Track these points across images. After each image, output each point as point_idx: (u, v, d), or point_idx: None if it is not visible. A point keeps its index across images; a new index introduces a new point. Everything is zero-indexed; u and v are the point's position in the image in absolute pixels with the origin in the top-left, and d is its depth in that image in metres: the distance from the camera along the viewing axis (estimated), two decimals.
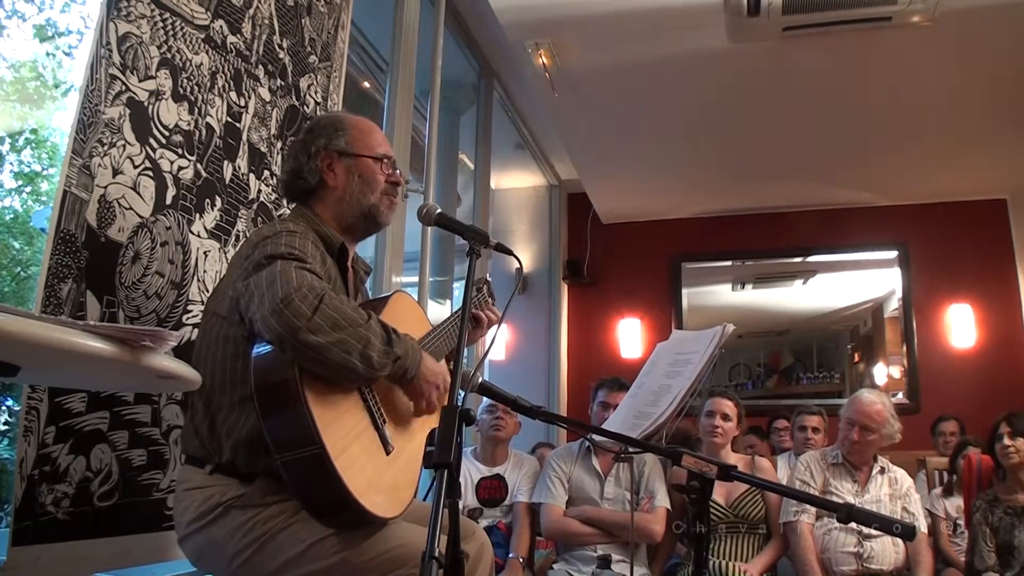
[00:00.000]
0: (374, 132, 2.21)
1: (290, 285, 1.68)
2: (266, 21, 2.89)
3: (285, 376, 1.69)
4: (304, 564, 1.76)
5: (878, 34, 4.28)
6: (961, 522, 4.48)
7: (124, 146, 2.19)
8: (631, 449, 3.15)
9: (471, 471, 4.17)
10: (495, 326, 2.43)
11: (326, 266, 1.96)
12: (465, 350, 1.80)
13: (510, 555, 3.88)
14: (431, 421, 2.07)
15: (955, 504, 4.56)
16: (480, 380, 1.89)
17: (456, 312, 2.35)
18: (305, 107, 3.14)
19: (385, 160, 2.17)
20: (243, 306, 1.77)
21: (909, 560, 3.64)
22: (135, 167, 2.23)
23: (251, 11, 2.80)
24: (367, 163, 2.14)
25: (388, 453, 1.88)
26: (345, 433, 1.75)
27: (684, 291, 7.58)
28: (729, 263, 7.64)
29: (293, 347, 1.65)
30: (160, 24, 2.34)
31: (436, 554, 1.37)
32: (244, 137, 2.75)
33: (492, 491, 4.14)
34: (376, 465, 1.82)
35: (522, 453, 4.46)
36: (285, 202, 2.96)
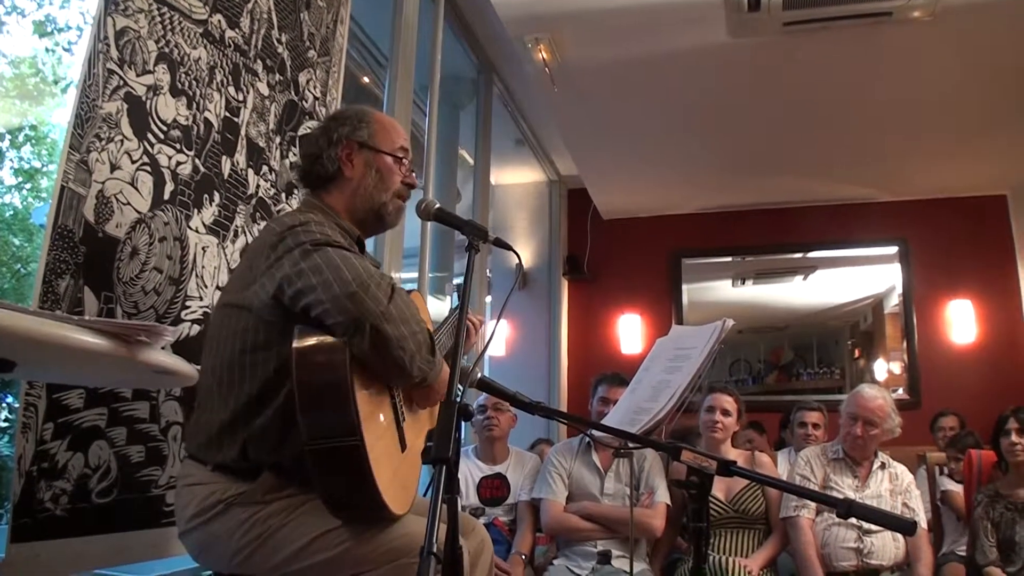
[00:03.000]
0: (396, 129, 2.21)
1: (359, 270, 1.71)
2: (264, 15, 2.88)
3: (335, 362, 1.70)
4: (306, 558, 1.76)
5: (879, 29, 4.27)
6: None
7: (122, 141, 2.18)
8: (631, 445, 3.15)
9: (472, 470, 4.16)
10: (483, 328, 2.44)
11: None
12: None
13: (512, 551, 3.88)
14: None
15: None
16: (479, 375, 1.88)
17: (452, 312, 2.37)
18: (304, 102, 3.13)
19: (404, 161, 2.16)
20: (293, 291, 1.75)
21: (909, 555, 3.64)
22: (133, 162, 2.22)
23: (249, 5, 2.79)
24: (386, 160, 2.13)
25: (403, 450, 1.90)
26: (375, 427, 1.76)
27: (684, 287, 7.58)
28: (729, 259, 7.64)
29: (366, 333, 1.67)
30: (158, 18, 2.33)
31: (434, 550, 1.36)
32: (242, 132, 2.74)
33: (494, 490, 4.13)
34: (394, 462, 1.84)
35: (523, 451, 4.45)
36: (284, 197, 2.96)
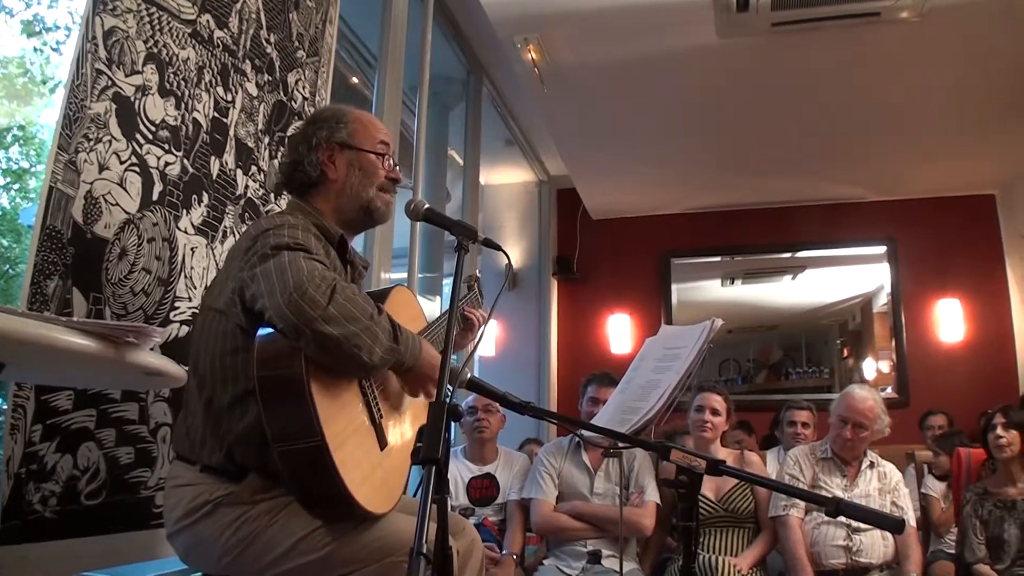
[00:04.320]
0: (376, 126, 2.19)
1: (302, 274, 1.68)
2: (253, 16, 2.88)
3: (291, 364, 1.69)
4: (293, 558, 1.76)
5: (867, 30, 4.28)
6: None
7: (110, 141, 2.17)
8: (620, 444, 3.15)
9: (461, 471, 4.16)
10: (483, 326, 2.44)
11: (330, 258, 1.95)
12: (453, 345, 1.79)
13: (503, 552, 3.88)
14: (425, 416, 2.08)
15: (941, 491, 4.61)
16: (469, 376, 1.88)
17: (463, 299, 2.38)
18: (293, 102, 3.13)
19: (386, 156, 2.16)
20: (249, 296, 1.76)
21: (898, 553, 3.65)
22: (121, 163, 2.22)
23: (238, 6, 2.78)
24: (368, 157, 2.12)
25: (383, 448, 1.88)
26: (344, 426, 1.75)
27: (673, 287, 7.59)
28: (718, 259, 7.65)
29: (308, 337, 1.65)
30: (146, 18, 2.33)
31: (424, 550, 1.36)
32: (231, 132, 2.73)
33: (483, 490, 4.13)
34: (371, 460, 1.83)
35: (511, 451, 4.46)
36: (273, 198, 2.95)
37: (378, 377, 1.93)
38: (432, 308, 5.28)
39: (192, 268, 2.51)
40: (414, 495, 2.02)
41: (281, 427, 1.69)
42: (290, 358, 1.69)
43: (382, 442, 1.88)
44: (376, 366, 1.77)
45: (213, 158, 2.63)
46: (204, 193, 2.58)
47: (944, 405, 5.77)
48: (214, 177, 2.63)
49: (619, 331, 7.52)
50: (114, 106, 2.19)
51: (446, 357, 1.68)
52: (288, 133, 3.06)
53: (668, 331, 3.11)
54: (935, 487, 4.63)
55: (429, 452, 1.46)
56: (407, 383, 1.97)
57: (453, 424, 1.61)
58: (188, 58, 2.51)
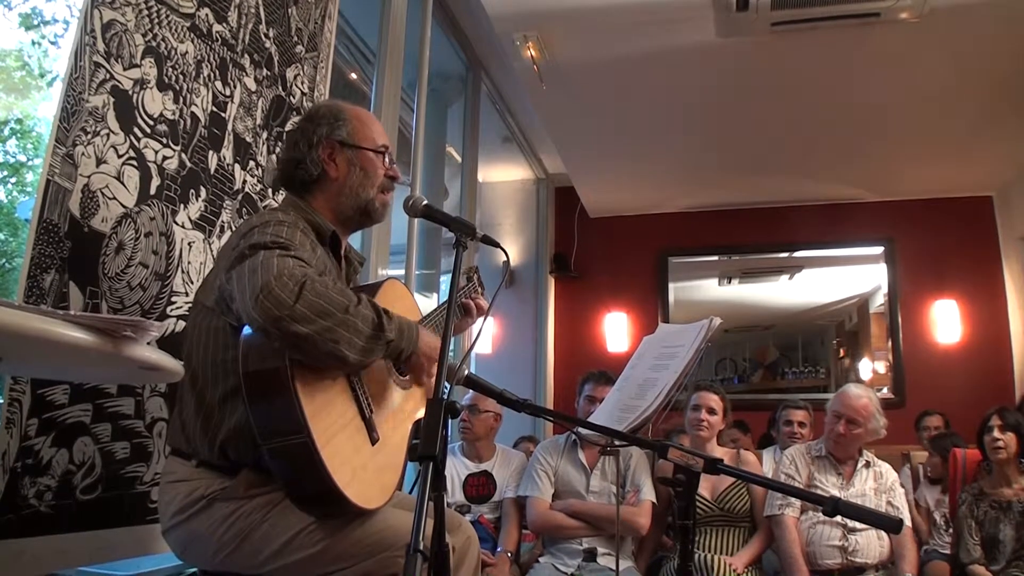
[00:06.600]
0: (374, 123, 2.18)
1: (270, 274, 1.64)
2: (252, 10, 2.87)
3: (275, 362, 1.68)
4: (288, 554, 1.75)
5: (867, 30, 4.29)
6: (937, 516, 4.54)
7: (108, 135, 2.17)
8: (617, 442, 3.15)
9: (458, 468, 4.16)
10: (483, 316, 2.43)
11: (317, 255, 1.93)
12: (451, 342, 1.78)
13: (498, 549, 3.88)
14: (418, 410, 2.07)
15: (935, 497, 4.62)
16: (466, 373, 1.87)
17: (464, 288, 2.37)
18: (291, 98, 3.12)
19: (385, 154, 2.15)
20: (228, 297, 1.76)
21: (894, 553, 3.65)
22: (119, 156, 2.21)
23: (237, 0, 2.77)
24: (368, 156, 2.11)
25: (374, 443, 1.87)
26: (332, 422, 1.74)
27: (671, 285, 7.60)
28: (716, 258, 7.66)
29: (278, 337, 1.63)
30: (145, 11, 2.32)
31: (421, 547, 1.36)
32: (229, 127, 2.72)
33: (480, 488, 4.13)
34: (361, 455, 1.82)
35: (509, 449, 4.46)
36: (271, 193, 2.94)
37: (369, 372, 1.91)
38: (429, 305, 5.28)
39: (189, 263, 2.50)
40: (410, 491, 2.02)
41: (267, 424, 1.68)
42: (274, 355, 1.68)
43: (373, 437, 1.87)
44: (364, 356, 1.73)
45: (211, 153, 2.62)
46: (202, 188, 2.57)
47: (940, 406, 5.78)
48: (212, 172, 2.63)
49: (616, 329, 7.52)
50: (112, 99, 2.19)
51: (443, 353, 1.67)
52: (286, 128, 3.05)
53: (666, 329, 3.11)
54: (927, 496, 4.65)
55: (426, 448, 1.46)
56: (410, 370, 1.97)
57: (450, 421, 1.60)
58: (187, 52, 2.51)
